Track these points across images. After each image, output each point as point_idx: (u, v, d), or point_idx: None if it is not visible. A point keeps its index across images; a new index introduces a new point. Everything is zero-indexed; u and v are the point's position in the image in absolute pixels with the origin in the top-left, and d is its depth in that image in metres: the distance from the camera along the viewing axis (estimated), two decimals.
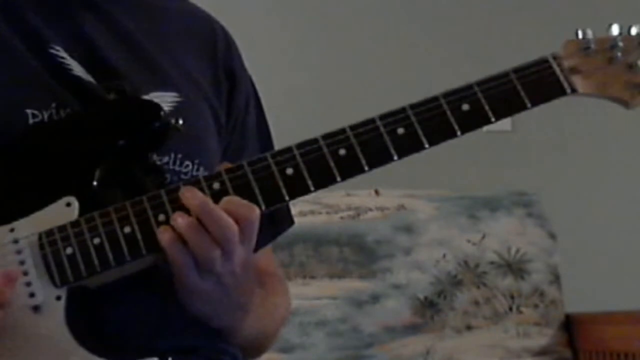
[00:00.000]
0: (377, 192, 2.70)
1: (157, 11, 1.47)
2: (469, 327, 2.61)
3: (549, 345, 2.63)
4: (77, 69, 1.33)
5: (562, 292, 2.68)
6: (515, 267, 2.67)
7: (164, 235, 1.21)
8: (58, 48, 1.33)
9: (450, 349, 2.58)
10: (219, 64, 1.47)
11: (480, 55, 3.02)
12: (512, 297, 2.65)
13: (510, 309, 2.64)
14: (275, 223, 1.48)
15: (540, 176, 3.09)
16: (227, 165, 1.27)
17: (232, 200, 1.22)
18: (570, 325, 2.66)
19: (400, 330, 2.58)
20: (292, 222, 1.52)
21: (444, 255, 2.65)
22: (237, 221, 1.21)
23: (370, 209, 2.68)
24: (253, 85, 1.53)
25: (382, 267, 2.61)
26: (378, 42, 3.13)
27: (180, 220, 1.21)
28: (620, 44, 1.31)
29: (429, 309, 2.61)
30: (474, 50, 3.10)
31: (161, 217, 1.22)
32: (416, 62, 3.12)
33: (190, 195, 1.22)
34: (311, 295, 2.54)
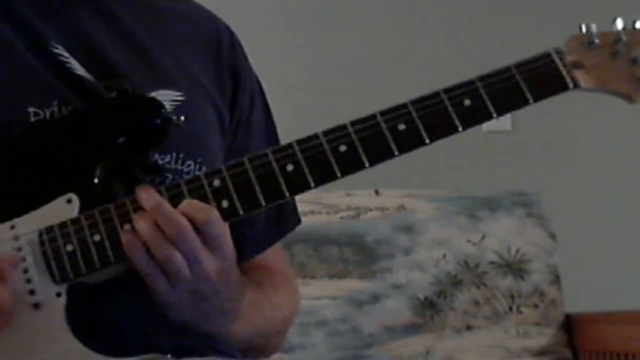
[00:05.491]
0: (377, 192, 2.70)
1: (160, 11, 1.47)
2: (469, 327, 2.61)
3: (549, 345, 2.63)
4: (78, 68, 1.33)
5: (562, 292, 2.68)
6: (515, 267, 2.67)
7: (124, 238, 1.21)
8: (58, 46, 1.33)
9: (450, 349, 2.58)
10: (223, 64, 1.47)
11: (481, 54, 3.02)
12: (512, 297, 2.64)
13: (510, 309, 2.63)
14: (282, 222, 1.49)
15: (540, 176, 3.09)
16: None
17: (191, 203, 1.22)
18: (570, 325, 2.66)
19: (400, 330, 2.58)
20: (298, 221, 1.52)
21: (444, 255, 2.65)
22: (195, 225, 1.20)
23: (370, 209, 2.67)
24: (259, 84, 1.53)
25: (382, 267, 2.61)
26: (378, 40, 3.14)
27: (140, 222, 1.21)
28: (624, 38, 1.30)
29: (429, 309, 2.61)
30: (474, 49, 3.10)
31: (126, 227, 1.22)
32: (416, 60, 3.12)
33: (145, 197, 1.22)
34: (311, 295, 2.53)
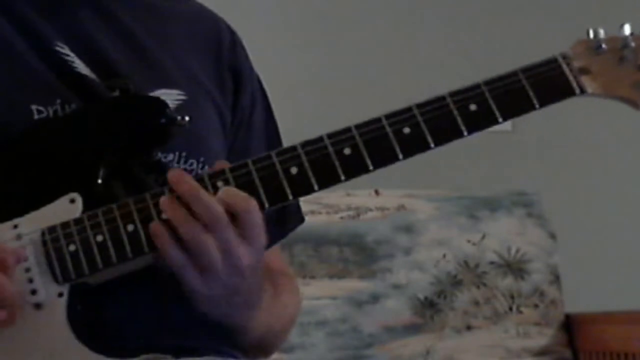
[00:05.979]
0: (377, 192, 2.70)
1: (161, 11, 1.47)
2: (469, 327, 2.61)
3: (548, 345, 2.63)
4: (82, 67, 1.33)
5: (562, 292, 2.68)
6: (515, 267, 2.68)
7: (154, 230, 1.19)
8: (62, 45, 1.33)
9: (450, 349, 2.58)
10: (224, 64, 1.47)
11: (481, 54, 3.03)
12: (512, 297, 2.65)
13: (510, 309, 2.64)
14: (286, 221, 1.48)
15: (540, 176, 3.09)
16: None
17: (230, 190, 1.21)
18: (570, 325, 2.66)
19: (400, 330, 2.58)
20: (302, 220, 1.52)
21: (444, 255, 2.65)
22: (234, 213, 1.19)
23: (370, 209, 2.68)
24: (261, 84, 1.53)
25: (382, 267, 2.61)
26: (379, 41, 3.13)
27: (167, 204, 1.19)
28: (632, 44, 1.30)
29: (429, 309, 2.61)
30: (474, 49, 3.10)
31: (164, 215, 1.21)
32: (417, 61, 3.12)
33: (178, 179, 1.20)
34: (311, 295, 2.53)
